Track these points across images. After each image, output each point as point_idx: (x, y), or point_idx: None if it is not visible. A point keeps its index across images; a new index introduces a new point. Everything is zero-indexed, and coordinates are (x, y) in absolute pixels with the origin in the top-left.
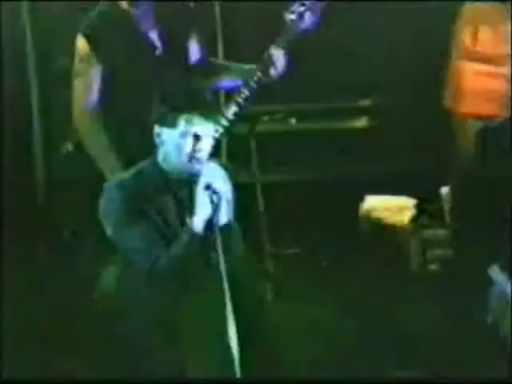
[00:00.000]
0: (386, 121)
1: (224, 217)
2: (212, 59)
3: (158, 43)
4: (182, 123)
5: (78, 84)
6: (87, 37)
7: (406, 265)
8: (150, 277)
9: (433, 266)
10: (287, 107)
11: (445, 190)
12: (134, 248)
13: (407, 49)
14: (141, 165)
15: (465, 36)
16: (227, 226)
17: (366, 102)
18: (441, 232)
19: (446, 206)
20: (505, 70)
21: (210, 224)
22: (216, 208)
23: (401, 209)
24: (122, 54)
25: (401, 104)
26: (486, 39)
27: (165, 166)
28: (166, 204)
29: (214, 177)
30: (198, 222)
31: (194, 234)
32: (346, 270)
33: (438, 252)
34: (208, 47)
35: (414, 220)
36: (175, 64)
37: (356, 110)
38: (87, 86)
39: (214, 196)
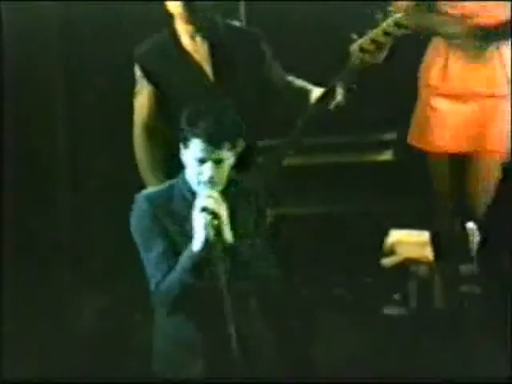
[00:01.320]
0: (411, 154)
1: (227, 235)
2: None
3: (210, 74)
4: (192, 146)
5: (134, 104)
6: (139, 65)
7: (430, 301)
8: (155, 299)
9: (458, 303)
10: (311, 141)
11: (470, 225)
12: (150, 264)
13: None
14: (173, 180)
15: (434, 72)
16: (231, 247)
17: (391, 136)
18: (466, 268)
19: (472, 242)
20: (472, 107)
21: (209, 245)
22: (214, 230)
23: (426, 244)
24: (174, 82)
25: None
26: (455, 75)
27: (191, 181)
28: (191, 220)
29: (210, 198)
30: (196, 244)
31: (193, 256)
32: (369, 305)
33: (464, 288)
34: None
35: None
36: (226, 96)
37: (381, 143)
38: (141, 107)
39: (210, 218)
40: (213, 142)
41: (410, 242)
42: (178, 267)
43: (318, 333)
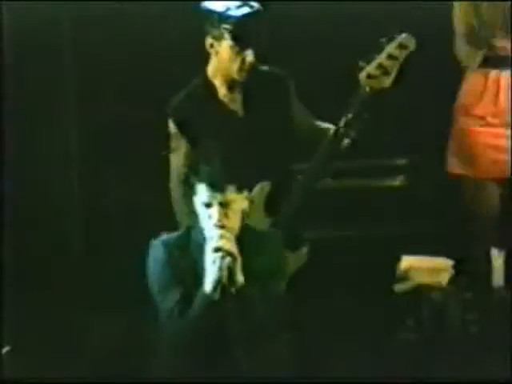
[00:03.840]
0: (423, 179)
1: (239, 277)
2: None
3: (244, 121)
4: (198, 191)
5: (171, 159)
6: (174, 117)
7: (445, 327)
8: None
9: (473, 330)
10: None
11: (495, 252)
12: (164, 313)
13: (445, 108)
14: (189, 227)
15: (484, 102)
16: (243, 288)
17: (402, 161)
18: (482, 295)
19: (496, 269)
20: None
21: (224, 286)
22: (228, 270)
23: (438, 270)
24: (208, 132)
25: (438, 163)
26: (506, 106)
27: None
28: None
29: (224, 239)
30: (208, 285)
31: (206, 297)
32: (382, 330)
33: (478, 315)
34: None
35: (452, 281)
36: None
37: (393, 168)
38: (178, 162)
39: (224, 258)
40: (216, 185)
41: (422, 268)
42: (193, 309)
43: (330, 358)
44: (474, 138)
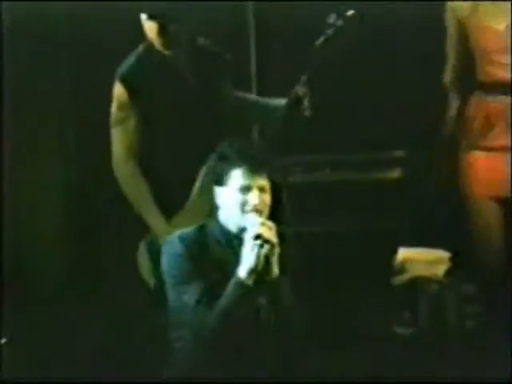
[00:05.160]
0: (420, 172)
1: (274, 268)
2: (241, 94)
3: (192, 81)
4: (232, 179)
5: (117, 133)
6: (126, 83)
7: (442, 320)
8: (199, 340)
9: (470, 323)
10: (321, 158)
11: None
12: (188, 305)
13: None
14: (202, 221)
15: (477, 127)
16: (277, 277)
17: (400, 153)
18: (481, 288)
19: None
20: None
21: (258, 274)
22: (266, 258)
23: (436, 262)
24: (160, 98)
25: (435, 156)
26: (501, 131)
27: (226, 223)
28: (228, 261)
29: (265, 226)
30: (243, 270)
31: (240, 285)
32: (380, 323)
33: (476, 308)
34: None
35: (449, 273)
36: (209, 102)
37: (390, 161)
38: (127, 134)
39: (264, 246)
40: (255, 167)
41: (419, 260)
42: (224, 296)
43: (326, 352)
44: (467, 158)
